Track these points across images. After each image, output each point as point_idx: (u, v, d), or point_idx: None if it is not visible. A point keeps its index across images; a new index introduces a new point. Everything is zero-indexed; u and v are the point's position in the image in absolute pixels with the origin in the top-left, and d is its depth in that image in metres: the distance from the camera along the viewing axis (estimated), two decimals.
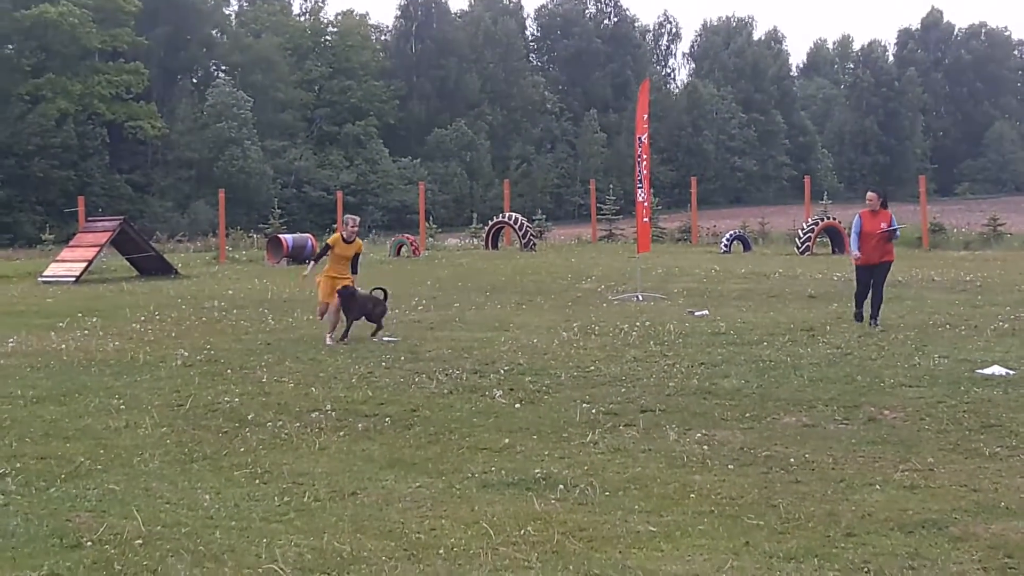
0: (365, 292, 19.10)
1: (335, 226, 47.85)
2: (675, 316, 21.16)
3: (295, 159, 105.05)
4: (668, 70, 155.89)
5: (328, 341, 18.24)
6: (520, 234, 45.81)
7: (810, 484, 9.55)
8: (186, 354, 17.28)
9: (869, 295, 19.72)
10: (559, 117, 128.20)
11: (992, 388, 13.59)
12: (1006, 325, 18.90)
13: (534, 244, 45.87)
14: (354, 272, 19.02)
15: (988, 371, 14.60)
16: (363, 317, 18.78)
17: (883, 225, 19.63)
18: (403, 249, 43.69)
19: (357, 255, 19.15)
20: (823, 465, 10.19)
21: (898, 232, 20.02)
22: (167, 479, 10.03)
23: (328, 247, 18.94)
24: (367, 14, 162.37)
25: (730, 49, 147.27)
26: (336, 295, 18.40)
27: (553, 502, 9.14)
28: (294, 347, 18.04)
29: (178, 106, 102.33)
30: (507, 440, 11.34)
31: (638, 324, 19.83)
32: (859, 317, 19.82)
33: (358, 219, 19.41)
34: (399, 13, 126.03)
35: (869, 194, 20.05)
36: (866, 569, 7.42)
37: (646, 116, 27.18)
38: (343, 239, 18.90)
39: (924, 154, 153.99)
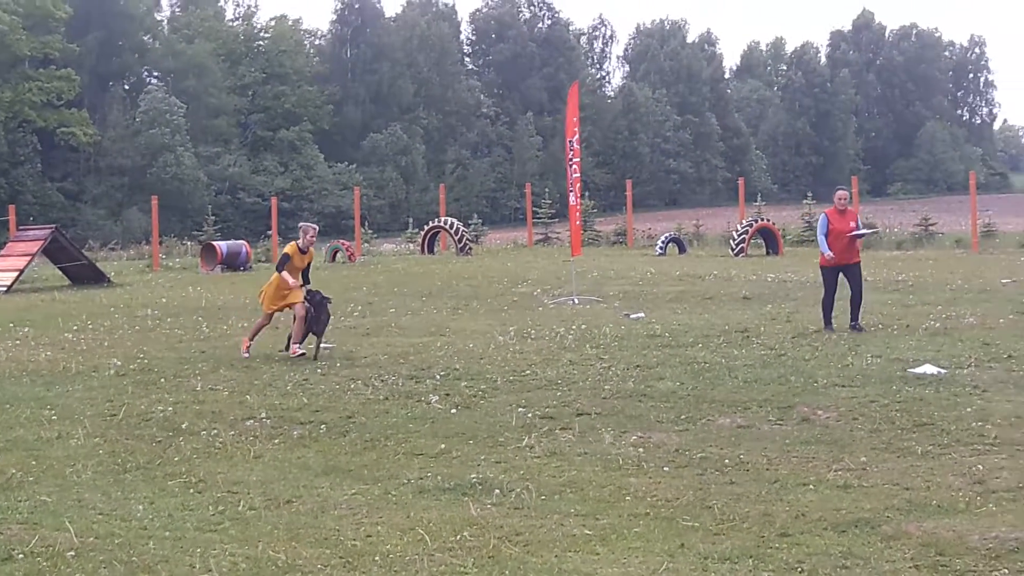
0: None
1: (270, 232, 47.62)
2: (611, 319, 21.21)
3: (229, 165, 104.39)
4: (603, 73, 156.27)
5: (298, 350, 17.35)
6: (456, 239, 45.75)
7: (745, 485, 9.61)
8: (119, 363, 17.14)
9: (835, 300, 19.19)
10: (495, 121, 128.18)
11: (924, 387, 13.73)
12: (938, 324, 19.08)
13: (470, 249, 45.81)
14: (306, 282, 18.10)
15: (920, 370, 14.74)
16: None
17: (852, 224, 19.20)
18: (339, 255, 43.51)
19: (309, 265, 18.37)
20: (757, 466, 10.25)
21: (869, 232, 19.99)
22: (100, 490, 9.94)
23: (288, 257, 17.97)
24: (300, 19, 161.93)
25: (664, 52, 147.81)
26: (304, 304, 17.53)
27: (489, 507, 9.14)
28: (229, 355, 17.93)
29: (110, 113, 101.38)
30: (443, 445, 11.34)
31: (574, 328, 19.87)
32: (830, 325, 18.98)
33: (316, 228, 18.86)
34: (334, 18, 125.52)
35: (839, 192, 19.61)
36: (800, 569, 7.47)
37: (576, 119, 27.28)
38: (299, 249, 18.10)
39: (857, 155, 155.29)
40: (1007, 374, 14.46)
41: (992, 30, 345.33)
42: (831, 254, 18.97)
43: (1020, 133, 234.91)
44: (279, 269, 17.97)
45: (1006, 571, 7.31)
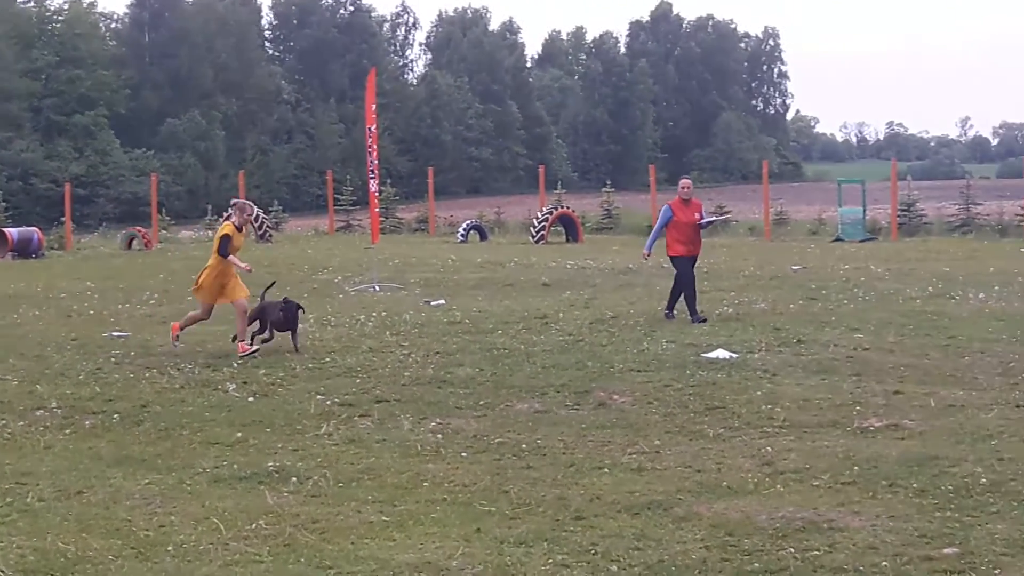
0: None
1: (63, 219, 46.33)
2: (412, 306, 21.21)
3: (21, 150, 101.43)
4: (406, 61, 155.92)
5: (248, 347, 15.92)
6: (256, 225, 45.26)
7: (541, 469, 9.70)
8: None
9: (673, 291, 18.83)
10: (296, 107, 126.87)
11: (716, 371, 14.03)
12: (730, 310, 19.51)
13: (270, 235, 45.39)
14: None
15: (713, 355, 15.06)
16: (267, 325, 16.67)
17: (697, 215, 18.84)
18: (135, 242, 42.68)
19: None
20: (554, 450, 10.36)
21: (719, 219, 20.02)
22: None
23: (228, 239, 16.37)
24: (95, 2, 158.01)
25: (467, 40, 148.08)
26: (245, 299, 16.33)
27: (286, 495, 9.09)
28: (19, 344, 17.46)
29: None
30: (240, 434, 11.23)
31: (374, 315, 19.82)
32: (696, 315, 18.33)
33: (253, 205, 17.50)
34: (131, 1, 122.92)
35: (683, 181, 19.27)
36: (593, 551, 7.57)
37: (374, 106, 27.22)
38: (236, 227, 16.66)
39: (655, 144, 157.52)
40: (796, 358, 14.86)
41: (785, 22, 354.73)
42: (648, 253, 19.05)
43: (812, 123, 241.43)
44: (223, 253, 16.33)
45: (792, 550, 7.50)
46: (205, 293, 16.69)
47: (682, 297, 18.67)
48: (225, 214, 42.06)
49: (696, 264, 19.10)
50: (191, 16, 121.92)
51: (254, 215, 16.49)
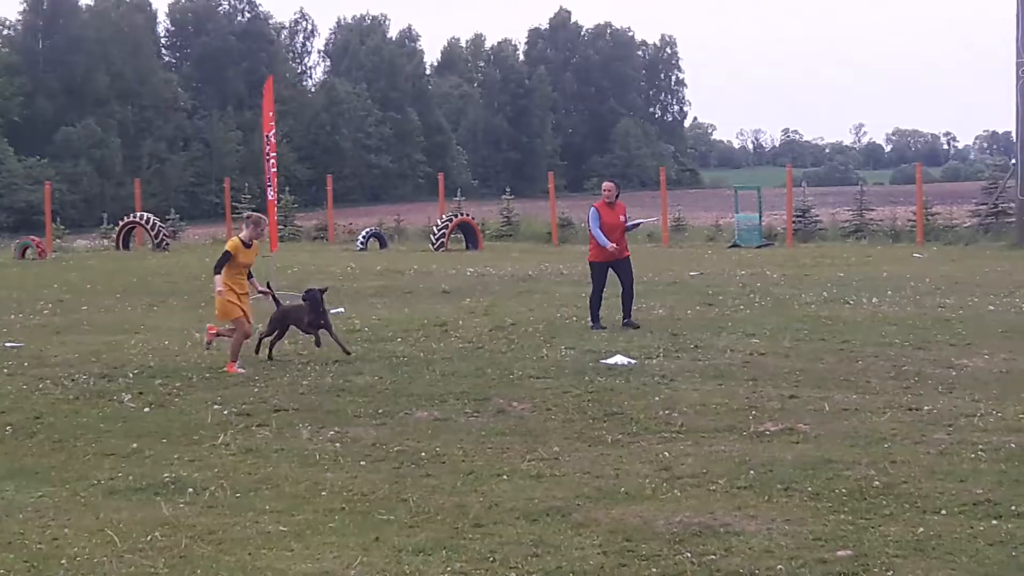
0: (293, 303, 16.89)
1: None
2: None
3: None
4: (304, 68, 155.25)
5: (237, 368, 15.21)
6: (152, 234, 44.88)
7: (440, 477, 9.69)
8: None
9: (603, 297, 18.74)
10: (192, 115, 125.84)
11: (615, 377, 14.11)
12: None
13: (167, 244, 45.00)
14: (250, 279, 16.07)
15: (611, 361, 15.14)
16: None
17: (622, 218, 18.76)
18: (28, 251, 42.08)
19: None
20: (453, 458, 10.35)
21: (646, 223, 19.93)
22: None
23: (228, 256, 15.54)
24: None
25: (365, 47, 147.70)
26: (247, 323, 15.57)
27: (182, 506, 8.99)
28: None
29: None
30: (135, 445, 11.09)
31: None
32: (597, 322, 18.46)
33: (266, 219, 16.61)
34: (25, 7, 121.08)
35: (606, 184, 19.12)
36: (492, 559, 7.57)
37: (272, 113, 27.11)
38: (243, 243, 15.79)
39: (555, 151, 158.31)
40: (693, 363, 14.99)
41: (682, 30, 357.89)
42: (614, 246, 18.45)
43: (709, 131, 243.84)
44: (215, 269, 15.58)
45: (689, 554, 7.55)
46: (229, 310, 15.68)
47: (597, 301, 18.69)
48: (121, 222, 41.52)
49: (630, 266, 18.99)
50: (86, 23, 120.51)
51: (265, 231, 15.70)
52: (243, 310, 15.63)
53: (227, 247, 15.76)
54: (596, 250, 18.73)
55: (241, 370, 15.10)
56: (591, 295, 18.76)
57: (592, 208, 18.81)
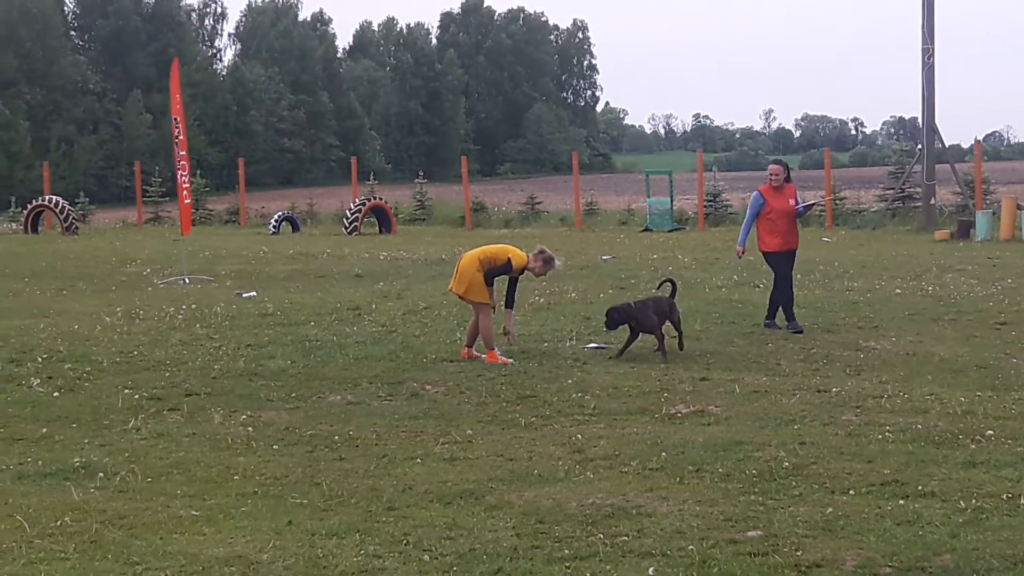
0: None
1: None
2: (222, 298, 20.97)
3: None
4: (214, 50, 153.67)
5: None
6: (62, 218, 44.37)
7: (353, 461, 9.68)
8: None
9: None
10: (102, 98, 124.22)
11: (528, 360, 14.16)
12: (542, 300, 19.69)
13: (77, 228, 44.50)
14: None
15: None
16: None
17: (792, 201, 16.75)
18: None
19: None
20: (367, 441, 10.35)
21: (818, 204, 18.49)
22: None
23: (508, 266, 14.66)
24: None
25: (276, 30, 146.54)
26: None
27: (92, 491, 8.90)
28: None
29: None
30: (45, 430, 10.96)
31: (184, 307, 19.56)
32: (773, 321, 16.61)
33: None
34: None
35: (772, 166, 17.08)
36: (405, 541, 7.57)
37: (179, 96, 26.91)
38: (521, 270, 14.86)
39: (468, 135, 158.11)
40: (606, 346, 15.06)
41: (594, 15, 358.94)
42: (742, 249, 17.02)
43: (621, 115, 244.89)
44: (488, 277, 14.63)
45: (602, 536, 7.60)
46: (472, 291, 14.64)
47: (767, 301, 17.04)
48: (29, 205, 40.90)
49: (793, 262, 17.02)
50: None
51: (548, 270, 14.87)
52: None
53: (513, 260, 14.66)
54: (769, 237, 16.72)
55: (509, 360, 14.22)
56: (775, 291, 16.75)
57: (755, 193, 16.98)
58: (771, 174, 16.75)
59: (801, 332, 16.01)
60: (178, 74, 27.65)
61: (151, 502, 8.57)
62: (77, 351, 15.41)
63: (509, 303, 14.90)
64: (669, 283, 15.52)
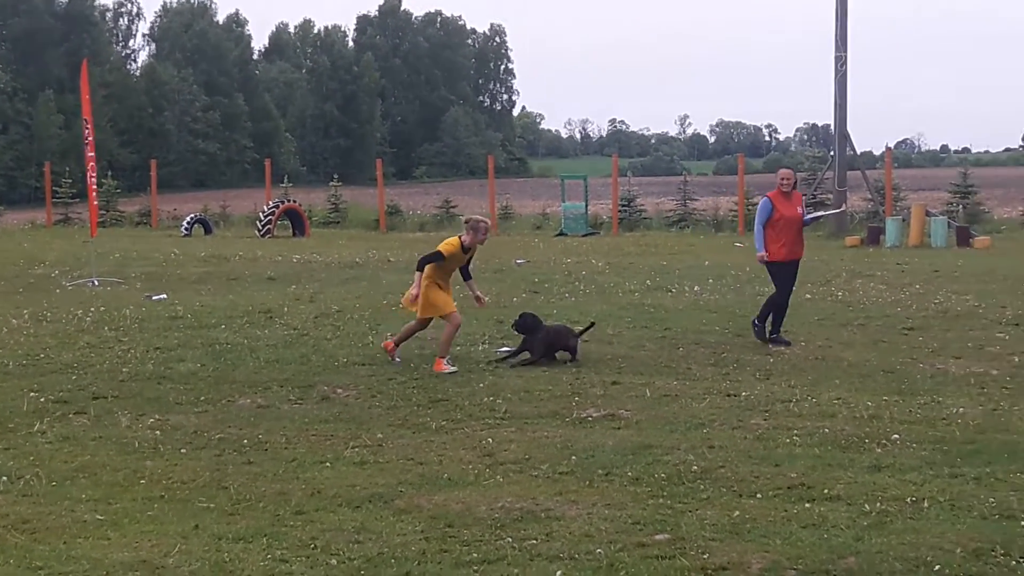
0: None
1: None
2: (132, 301, 20.75)
3: None
4: (128, 51, 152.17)
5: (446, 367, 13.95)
6: None
7: (262, 464, 9.61)
8: None
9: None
10: (12, 97, 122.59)
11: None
12: (455, 303, 19.61)
13: None
14: (468, 278, 14.91)
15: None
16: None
17: (799, 209, 16.14)
18: None
19: (470, 261, 14.94)
20: (276, 445, 10.28)
21: (833, 213, 18.15)
22: None
23: (439, 256, 14.28)
24: None
25: (191, 31, 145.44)
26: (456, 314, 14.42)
27: None
28: None
29: None
30: None
31: (93, 309, 19.34)
32: (761, 332, 16.04)
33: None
34: None
35: (782, 171, 16.52)
36: (313, 545, 7.52)
37: (88, 96, 26.64)
38: (462, 246, 14.45)
39: (384, 138, 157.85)
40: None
41: (511, 19, 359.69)
42: (765, 254, 15.95)
43: (538, 120, 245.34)
44: (420, 268, 14.29)
45: (511, 539, 7.60)
46: (434, 307, 14.35)
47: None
48: None
49: (797, 272, 16.48)
50: None
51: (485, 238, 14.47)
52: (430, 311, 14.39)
53: (442, 248, 14.34)
54: (774, 246, 15.98)
55: (451, 368, 13.94)
56: (775, 297, 16.15)
57: (764, 199, 16.26)
58: (782, 179, 16.19)
59: (788, 345, 15.66)
60: (87, 75, 27.35)
61: (55, 506, 8.46)
62: None
63: (466, 276, 14.81)
64: (592, 326, 15.37)
